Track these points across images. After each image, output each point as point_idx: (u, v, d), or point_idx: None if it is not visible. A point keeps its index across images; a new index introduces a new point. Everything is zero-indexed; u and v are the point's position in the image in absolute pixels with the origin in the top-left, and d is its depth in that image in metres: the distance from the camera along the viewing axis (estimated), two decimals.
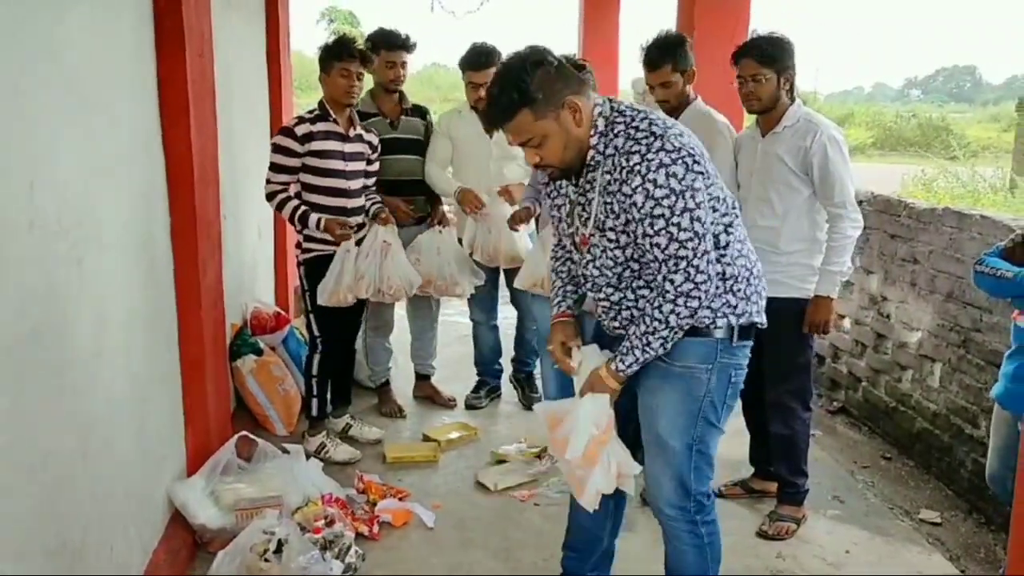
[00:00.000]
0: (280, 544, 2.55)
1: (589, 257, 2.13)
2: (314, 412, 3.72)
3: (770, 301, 2.25)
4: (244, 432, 3.13)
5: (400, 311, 4.34)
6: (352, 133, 3.56)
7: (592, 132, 2.01)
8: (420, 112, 4.14)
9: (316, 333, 3.66)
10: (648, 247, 1.96)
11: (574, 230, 2.17)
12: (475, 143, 3.88)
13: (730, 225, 2.08)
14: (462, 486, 3.44)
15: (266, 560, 2.50)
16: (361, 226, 3.61)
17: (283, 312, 4.48)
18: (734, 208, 2.11)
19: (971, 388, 3.52)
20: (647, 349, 2.03)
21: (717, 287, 2.04)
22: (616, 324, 2.17)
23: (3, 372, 1.64)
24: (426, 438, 3.84)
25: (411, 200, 3.98)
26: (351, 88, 3.46)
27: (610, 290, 2.13)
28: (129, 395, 2.39)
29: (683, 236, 1.92)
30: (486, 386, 4.38)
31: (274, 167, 3.47)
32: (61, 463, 1.92)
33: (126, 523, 2.36)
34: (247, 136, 4.31)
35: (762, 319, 2.16)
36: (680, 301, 1.96)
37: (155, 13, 2.68)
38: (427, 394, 4.39)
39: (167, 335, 2.83)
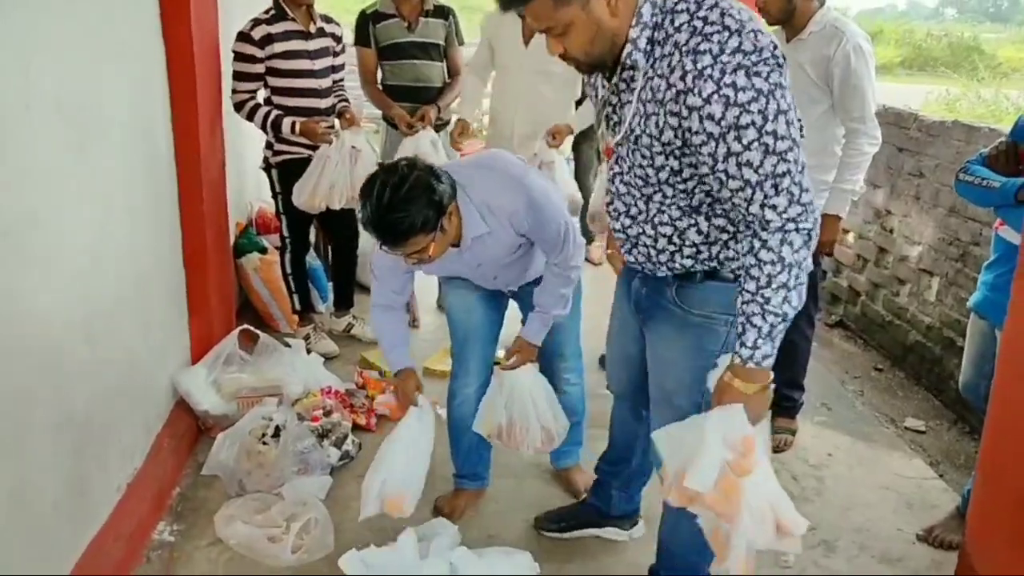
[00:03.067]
0: (278, 429, 2.65)
1: (616, 170, 1.79)
2: (297, 307, 3.82)
3: None
4: (246, 325, 3.21)
5: None
6: (313, 29, 3.44)
7: (633, 22, 1.58)
8: (442, 13, 3.91)
9: (285, 234, 3.69)
10: (735, 171, 1.53)
11: (601, 133, 1.84)
12: (511, 52, 3.57)
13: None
14: None
15: (264, 443, 2.61)
16: (331, 126, 3.51)
17: None
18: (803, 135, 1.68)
19: (964, 301, 3.53)
20: (768, 310, 1.56)
21: None
22: (631, 260, 1.89)
23: (4, 250, 1.69)
24: (427, 371, 3.64)
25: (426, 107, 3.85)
26: None
27: (628, 221, 1.80)
28: (132, 281, 2.46)
29: (782, 146, 1.50)
30: None
31: (237, 76, 3.36)
32: (62, 341, 1.99)
33: (131, 404, 2.46)
34: None
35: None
36: (790, 228, 1.53)
37: None
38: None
39: (170, 228, 2.89)
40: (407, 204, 1.91)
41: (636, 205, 1.77)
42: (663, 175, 1.67)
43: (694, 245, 1.74)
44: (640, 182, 1.72)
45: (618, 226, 1.84)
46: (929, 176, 3.87)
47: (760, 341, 1.57)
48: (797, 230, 1.54)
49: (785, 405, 3.16)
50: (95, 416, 2.17)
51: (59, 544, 1.97)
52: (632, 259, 1.86)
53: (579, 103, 3.73)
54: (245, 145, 4.11)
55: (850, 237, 4.58)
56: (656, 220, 1.74)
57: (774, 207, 1.53)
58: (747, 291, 1.58)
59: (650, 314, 1.91)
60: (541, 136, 3.53)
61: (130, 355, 2.46)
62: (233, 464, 2.61)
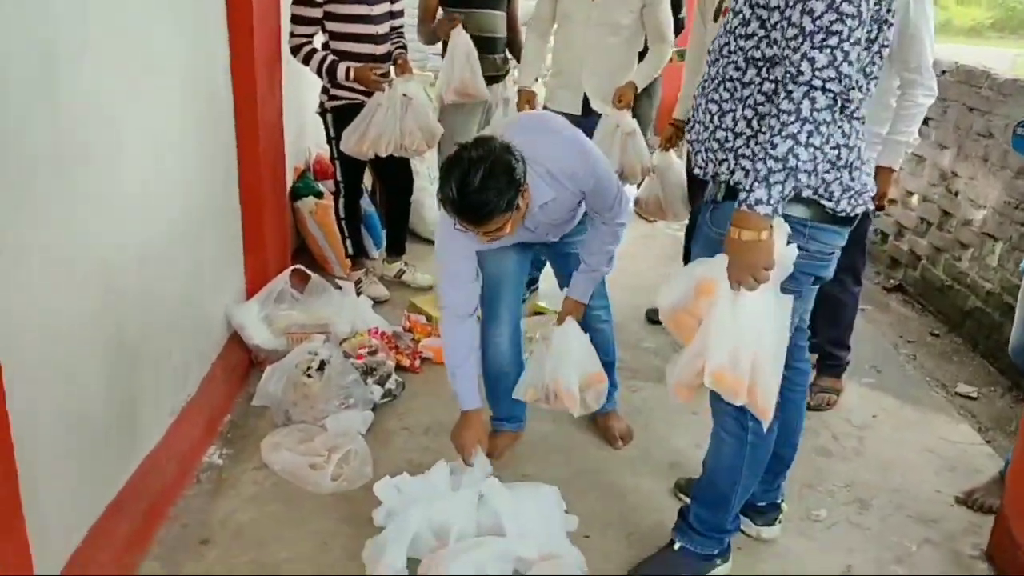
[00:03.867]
0: (323, 363, 2.74)
1: (719, 34, 1.85)
2: (349, 251, 3.87)
3: None
4: (298, 265, 3.30)
5: None
6: None
7: None
8: None
9: (339, 178, 3.72)
10: (797, 18, 1.57)
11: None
12: (578, 3, 3.50)
13: None
14: None
15: (309, 376, 2.70)
16: (386, 73, 3.53)
17: None
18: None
19: None
20: (769, 155, 1.56)
21: None
22: (691, 138, 1.93)
23: (55, 184, 1.74)
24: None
25: (489, 58, 3.86)
26: None
27: (698, 91, 1.88)
28: (186, 217, 2.54)
29: (846, 8, 1.52)
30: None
31: (295, 19, 3.39)
32: (114, 270, 2.05)
33: (184, 335, 2.57)
34: None
35: (846, 206, 1.78)
36: (817, 86, 1.53)
37: None
38: None
39: (227, 167, 2.97)
40: (489, 182, 1.93)
41: (714, 67, 1.83)
42: (735, 22, 1.75)
43: (726, 130, 1.81)
44: (723, 31, 1.81)
45: (694, 92, 1.93)
46: (999, 136, 3.72)
47: (755, 184, 1.58)
48: (823, 90, 1.54)
49: (830, 364, 3.12)
50: (148, 344, 2.26)
51: (110, 462, 2.08)
52: (690, 137, 1.94)
53: (641, 56, 3.67)
54: (305, 90, 4.18)
55: (914, 200, 4.45)
56: (710, 96, 1.83)
57: (812, 60, 1.54)
58: (759, 142, 1.61)
59: (696, 238, 2.04)
60: (610, 101, 3.49)
61: (182, 287, 2.55)
62: (281, 395, 2.72)
